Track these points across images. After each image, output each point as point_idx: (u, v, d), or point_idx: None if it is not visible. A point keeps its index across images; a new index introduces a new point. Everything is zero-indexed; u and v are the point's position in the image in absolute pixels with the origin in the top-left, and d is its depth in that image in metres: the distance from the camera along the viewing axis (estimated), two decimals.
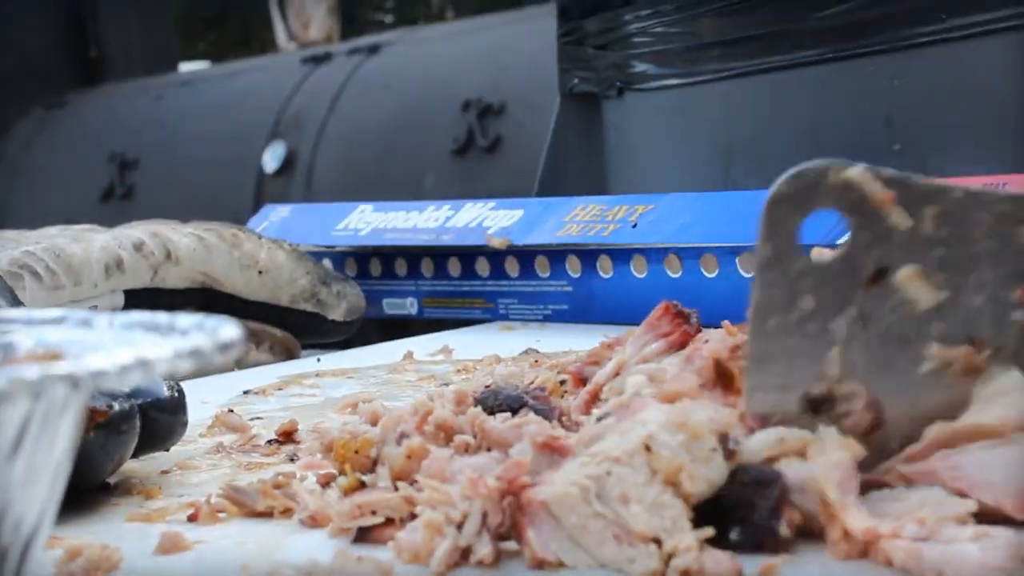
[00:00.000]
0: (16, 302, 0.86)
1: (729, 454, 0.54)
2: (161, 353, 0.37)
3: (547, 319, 1.24)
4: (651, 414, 0.55)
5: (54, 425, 0.38)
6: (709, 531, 0.51)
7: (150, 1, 4.74)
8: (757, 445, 0.55)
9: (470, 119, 3.37)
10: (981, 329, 0.58)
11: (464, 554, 0.53)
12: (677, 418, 0.54)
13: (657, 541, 0.52)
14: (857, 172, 0.56)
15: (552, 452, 0.57)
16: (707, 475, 0.53)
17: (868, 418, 0.57)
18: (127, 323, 0.44)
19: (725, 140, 1.28)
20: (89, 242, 1.11)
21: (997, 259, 0.58)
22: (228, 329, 0.40)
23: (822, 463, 0.53)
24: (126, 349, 0.38)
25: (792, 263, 0.57)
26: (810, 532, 0.53)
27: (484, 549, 0.53)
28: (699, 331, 0.71)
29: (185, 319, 0.42)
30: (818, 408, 0.57)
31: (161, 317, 0.43)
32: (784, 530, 0.52)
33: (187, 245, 1.14)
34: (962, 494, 0.53)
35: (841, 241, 0.58)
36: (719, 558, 0.51)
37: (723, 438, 0.54)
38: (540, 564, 0.53)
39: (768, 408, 0.57)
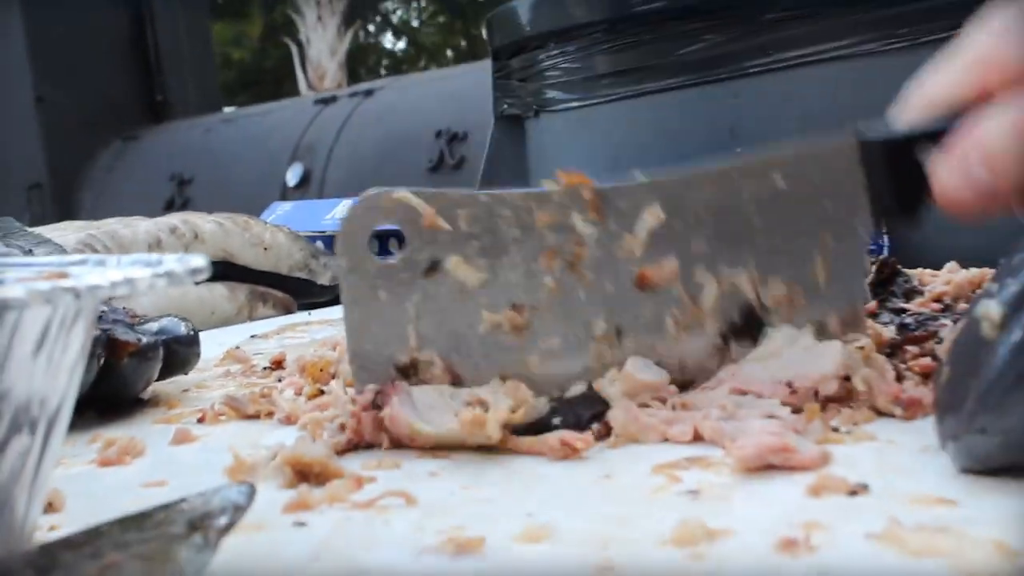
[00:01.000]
0: None
1: None
2: (143, 274, 0.38)
3: None
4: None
5: (67, 330, 0.39)
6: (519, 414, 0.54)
7: (201, 59, 4.72)
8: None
9: (441, 144, 3.38)
10: (519, 296, 0.59)
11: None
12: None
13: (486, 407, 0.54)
14: (403, 193, 0.58)
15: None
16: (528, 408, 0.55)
17: (446, 378, 0.59)
18: (129, 261, 0.44)
19: (613, 147, 1.30)
20: (136, 227, 1.11)
21: (522, 242, 0.59)
22: (196, 259, 0.41)
23: (615, 391, 0.56)
24: (119, 273, 0.38)
25: (366, 267, 0.59)
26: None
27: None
28: None
29: (171, 257, 0.43)
30: (406, 373, 0.59)
31: (154, 257, 0.43)
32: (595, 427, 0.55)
33: (210, 229, 1.15)
34: (740, 391, 0.55)
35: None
36: (536, 439, 0.53)
37: None
38: (394, 443, 0.56)
39: (371, 379, 0.58)
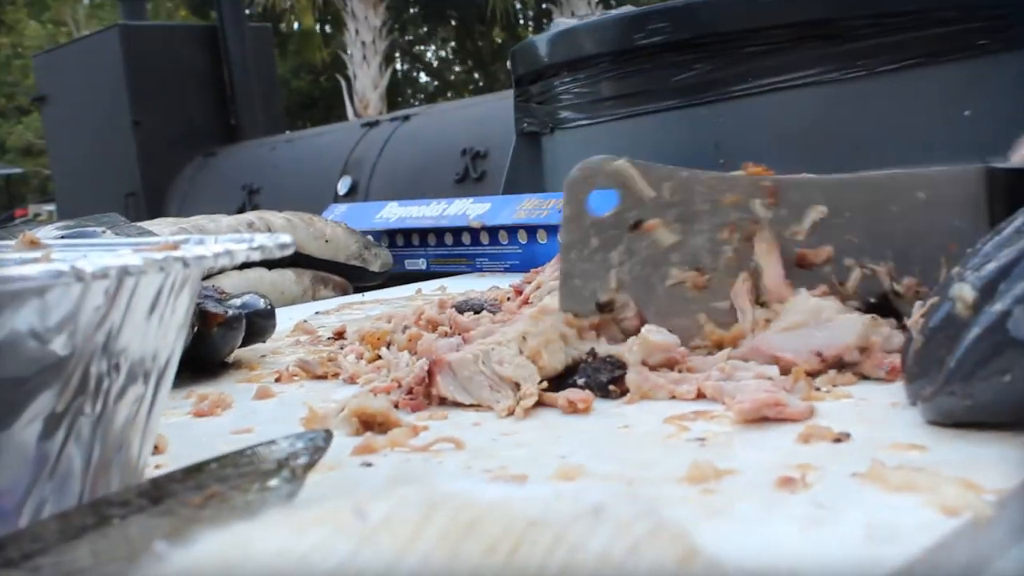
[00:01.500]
0: None
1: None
2: (239, 247, 0.37)
3: (506, 270, 1.23)
4: (522, 322, 0.56)
5: (176, 295, 0.38)
6: (544, 384, 0.53)
7: (267, 92, 4.72)
8: (590, 345, 0.56)
9: (466, 161, 3.36)
10: (703, 260, 0.59)
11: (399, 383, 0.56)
12: (536, 325, 0.55)
13: (517, 385, 0.52)
14: (621, 163, 0.59)
15: (464, 341, 0.59)
16: (551, 360, 0.54)
17: (635, 323, 0.59)
18: (226, 238, 0.43)
19: None
20: (219, 221, 1.10)
21: (710, 214, 0.59)
22: (284, 236, 0.40)
23: (633, 356, 0.55)
24: (219, 246, 0.37)
25: (584, 219, 0.59)
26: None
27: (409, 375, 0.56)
28: None
29: (261, 235, 0.42)
30: (603, 309, 0.59)
31: (247, 234, 0.42)
32: (613, 388, 0.54)
33: (280, 223, 1.14)
34: (775, 359, 0.54)
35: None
36: (555, 395, 0.52)
37: (563, 337, 0.55)
38: (442, 400, 0.54)
39: (575, 306, 0.59)
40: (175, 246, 0.38)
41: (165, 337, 0.39)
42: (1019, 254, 0.43)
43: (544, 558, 0.23)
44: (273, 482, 0.35)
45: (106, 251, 0.48)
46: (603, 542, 0.23)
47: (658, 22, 1.18)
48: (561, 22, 1.44)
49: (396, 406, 0.54)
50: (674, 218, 0.59)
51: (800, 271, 0.59)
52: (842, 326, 0.54)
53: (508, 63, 1.52)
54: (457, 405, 0.54)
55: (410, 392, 0.54)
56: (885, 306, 0.57)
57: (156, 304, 0.37)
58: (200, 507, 0.33)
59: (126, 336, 0.36)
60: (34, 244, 0.53)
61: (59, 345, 0.34)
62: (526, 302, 0.68)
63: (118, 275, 0.33)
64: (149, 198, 4.38)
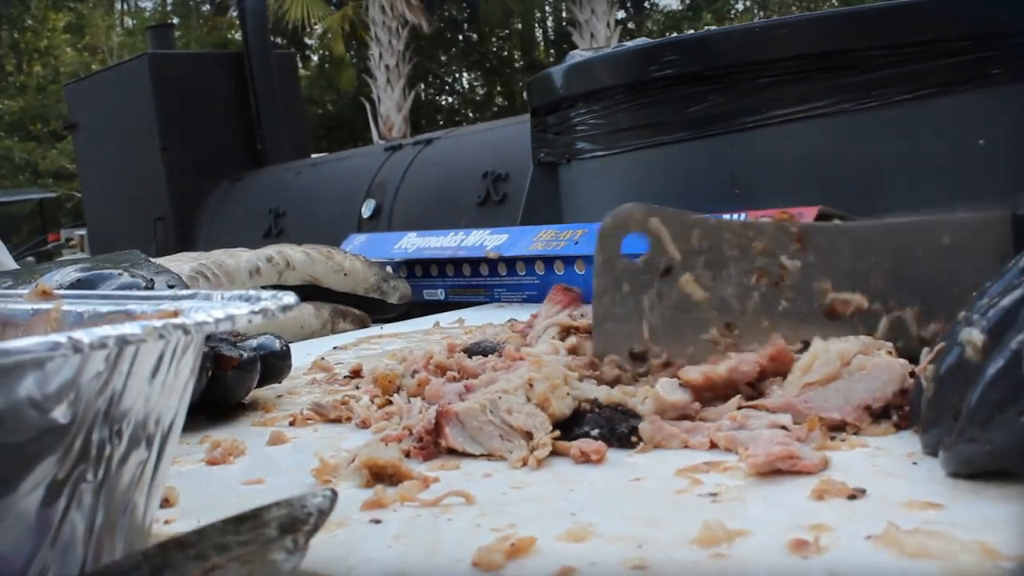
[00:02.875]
0: None
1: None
2: (241, 311, 0.36)
3: (524, 301, 1.22)
4: (526, 368, 0.56)
5: (178, 359, 0.37)
6: (556, 432, 0.51)
7: (292, 117, 4.74)
8: (592, 392, 0.55)
9: (487, 184, 3.36)
10: (732, 307, 0.59)
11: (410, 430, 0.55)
12: (541, 371, 0.54)
13: (529, 435, 0.51)
14: (652, 221, 0.59)
15: (466, 389, 0.58)
16: (560, 406, 0.53)
17: (668, 369, 0.58)
18: (230, 296, 0.42)
19: (633, 189, 1.27)
20: (239, 257, 1.10)
21: (739, 260, 0.59)
22: (287, 297, 0.39)
23: (648, 407, 0.53)
24: (221, 311, 0.37)
25: (616, 264, 0.59)
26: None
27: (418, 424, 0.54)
28: (580, 299, 0.72)
29: (266, 293, 0.41)
30: (637, 358, 0.59)
31: (252, 292, 0.42)
32: (632, 438, 0.52)
33: (300, 258, 1.13)
34: (821, 419, 0.51)
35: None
36: (567, 444, 0.51)
37: (566, 380, 0.55)
38: (451, 450, 0.53)
39: (609, 350, 0.59)
40: (176, 312, 0.37)
41: (168, 400, 0.38)
42: None
43: None
44: (276, 556, 0.34)
45: (114, 305, 0.48)
46: None
47: (672, 54, 1.17)
48: (576, 54, 1.44)
49: (407, 454, 0.53)
50: (703, 265, 0.58)
51: (829, 322, 0.58)
52: (880, 373, 0.52)
53: (525, 94, 1.51)
54: (468, 455, 0.52)
55: (420, 440, 0.53)
56: (908, 352, 0.56)
57: (158, 369, 0.36)
58: None
59: (128, 401, 0.35)
60: (46, 295, 0.53)
61: (60, 413, 0.33)
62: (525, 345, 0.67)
63: (116, 344, 0.32)
64: (177, 222, 4.41)
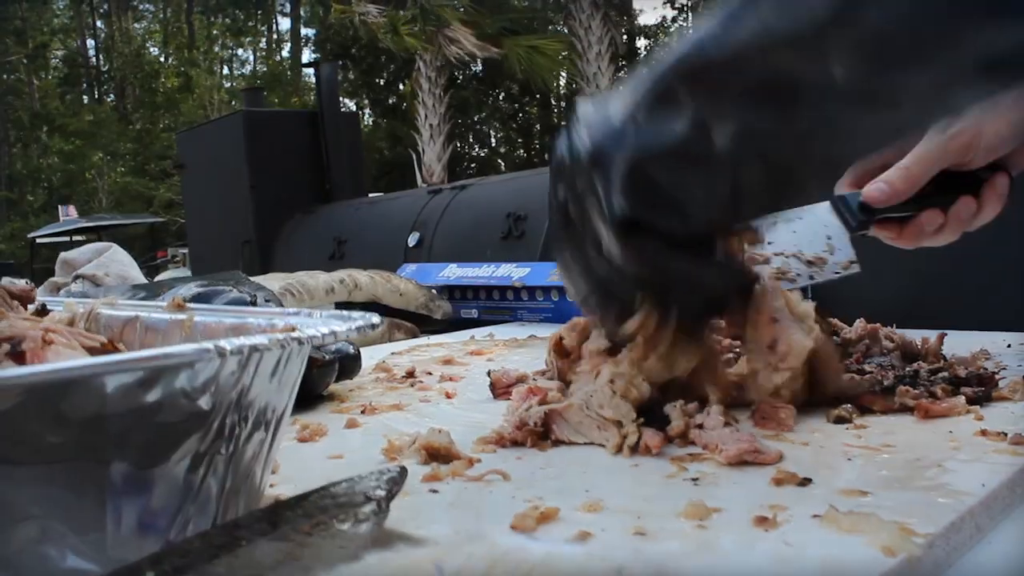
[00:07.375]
0: (280, 307, 0.87)
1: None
2: (342, 328, 0.38)
3: (541, 320, 1.24)
4: (606, 370, 0.55)
5: (292, 363, 0.39)
6: (641, 419, 0.52)
7: (354, 164, 4.77)
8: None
9: (509, 222, 3.38)
10: None
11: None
12: (619, 370, 0.54)
13: (619, 424, 0.52)
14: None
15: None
16: (637, 393, 0.53)
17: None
18: (328, 315, 0.45)
19: None
20: (317, 278, 1.12)
21: None
22: (374, 317, 0.41)
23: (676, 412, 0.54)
24: (326, 327, 0.39)
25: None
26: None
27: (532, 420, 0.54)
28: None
29: (356, 314, 0.43)
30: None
31: (345, 312, 0.44)
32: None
33: (365, 281, 1.15)
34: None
35: None
36: (651, 433, 0.51)
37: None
38: (559, 442, 0.54)
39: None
40: (293, 328, 0.39)
41: (281, 393, 0.40)
42: None
43: None
44: (364, 511, 0.36)
45: (236, 318, 0.50)
46: None
47: None
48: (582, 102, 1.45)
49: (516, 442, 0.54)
50: None
51: None
52: None
53: (546, 154, 1.53)
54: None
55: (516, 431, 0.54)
56: None
57: (276, 369, 0.38)
58: (308, 534, 0.34)
59: (253, 394, 0.37)
60: (180, 307, 0.55)
61: (203, 402, 0.35)
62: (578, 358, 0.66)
63: (249, 351, 0.34)
64: (260, 245, 4.42)
